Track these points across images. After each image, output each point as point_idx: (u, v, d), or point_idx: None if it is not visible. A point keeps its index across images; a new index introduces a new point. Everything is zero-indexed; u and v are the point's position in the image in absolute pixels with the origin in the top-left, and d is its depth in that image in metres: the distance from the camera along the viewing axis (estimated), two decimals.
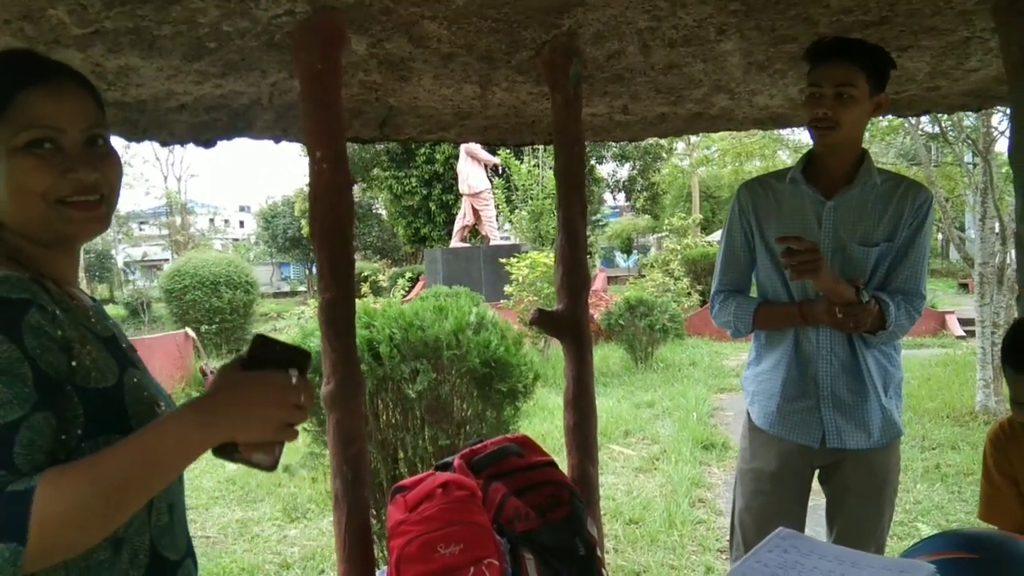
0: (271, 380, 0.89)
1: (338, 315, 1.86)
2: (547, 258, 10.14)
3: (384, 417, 3.08)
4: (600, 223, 30.12)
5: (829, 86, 1.86)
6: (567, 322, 2.30)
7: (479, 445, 2.22)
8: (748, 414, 2.24)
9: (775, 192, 2.10)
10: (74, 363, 0.91)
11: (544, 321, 2.31)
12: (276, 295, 33.08)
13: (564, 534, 2.02)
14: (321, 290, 1.86)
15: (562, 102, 2.25)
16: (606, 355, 10.75)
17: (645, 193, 29.93)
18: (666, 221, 22.57)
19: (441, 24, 1.98)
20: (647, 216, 30.38)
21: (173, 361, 10.28)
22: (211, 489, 5.91)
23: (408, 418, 3.11)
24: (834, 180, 2.01)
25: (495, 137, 2.74)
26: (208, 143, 2.17)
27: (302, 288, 34.64)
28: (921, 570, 1.01)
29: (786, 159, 18.59)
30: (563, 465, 2.24)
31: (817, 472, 2.18)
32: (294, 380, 0.89)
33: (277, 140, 2.34)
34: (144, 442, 0.85)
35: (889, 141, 17.16)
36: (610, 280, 20.17)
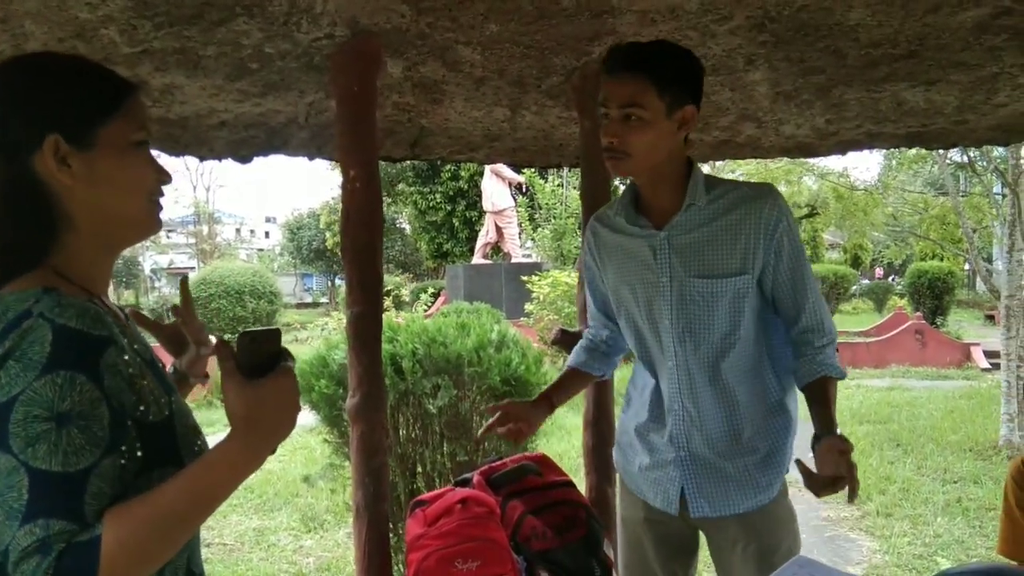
0: (284, 384, 0.87)
1: (366, 330, 1.90)
2: (568, 277, 10.17)
3: (404, 431, 3.11)
4: None
5: (615, 107, 1.51)
6: None
7: (498, 462, 2.24)
8: None
9: (611, 227, 1.75)
10: (136, 399, 0.90)
11: (566, 341, 2.34)
12: (299, 306, 33.36)
13: (581, 555, 2.02)
14: (349, 304, 1.90)
15: (590, 127, 2.28)
16: (626, 376, 10.70)
17: None
18: None
19: (475, 49, 2.04)
20: None
21: None
22: (229, 497, 5.97)
23: (427, 433, 3.14)
24: (664, 207, 1.64)
25: (523, 159, 2.79)
26: (245, 159, 2.24)
27: (324, 300, 34.90)
28: None
29: (811, 184, 18.51)
30: (581, 485, 2.26)
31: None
32: (292, 365, 0.88)
33: (311, 158, 2.40)
34: (196, 478, 0.83)
35: (916, 170, 17.05)
36: None
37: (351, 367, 1.91)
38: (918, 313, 14.24)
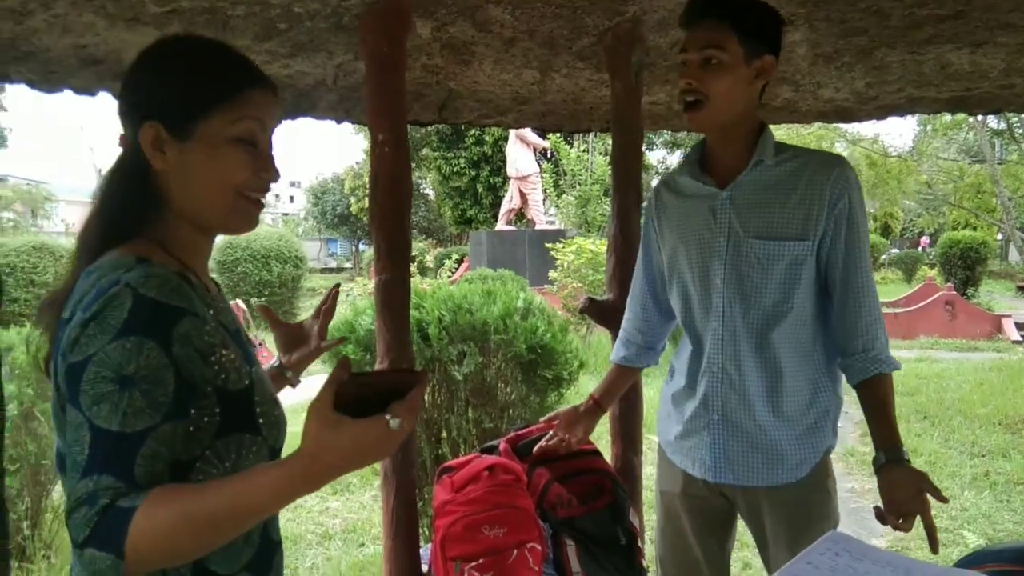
0: (370, 433, 0.82)
1: (394, 296, 1.89)
2: (593, 245, 10.09)
3: (430, 397, 3.12)
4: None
5: (695, 51, 1.49)
6: (617, 312, 2.28)
7: (525, 430, 2.24)
8: None
9: (673, 189, 1.75)
10: (216, 368, 0.93)
11: (593, 310, 2.32)
12: (323, 271, 33.58)
13: (606, 523, 2.02)
14: (378, 271, 1.89)
15: (622, 90, 2.23)
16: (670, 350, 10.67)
17: None
18: None
19: (505, 9, 1.99)
20: None
21: None
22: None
23: (453, 399, 3.15)
24: (731, 166, 1.61)
25: (552, 123, 2.74)
26: None
27: (348, 265, 35.09)
28: None
29: (842, 150, 18.16)
30: (607, 454, 2.25)
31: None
32: (393, 424, 0.82)
33: (339, 121, 2.37)
34: (247, 490, 0.83)
35: (951, 136, 16.64)
36: None
37: (379, 334, 1.90)
38: (949, 284, 14.00)
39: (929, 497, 1.41)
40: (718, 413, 1.66)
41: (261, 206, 1.03)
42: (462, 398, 3.13)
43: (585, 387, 6.64)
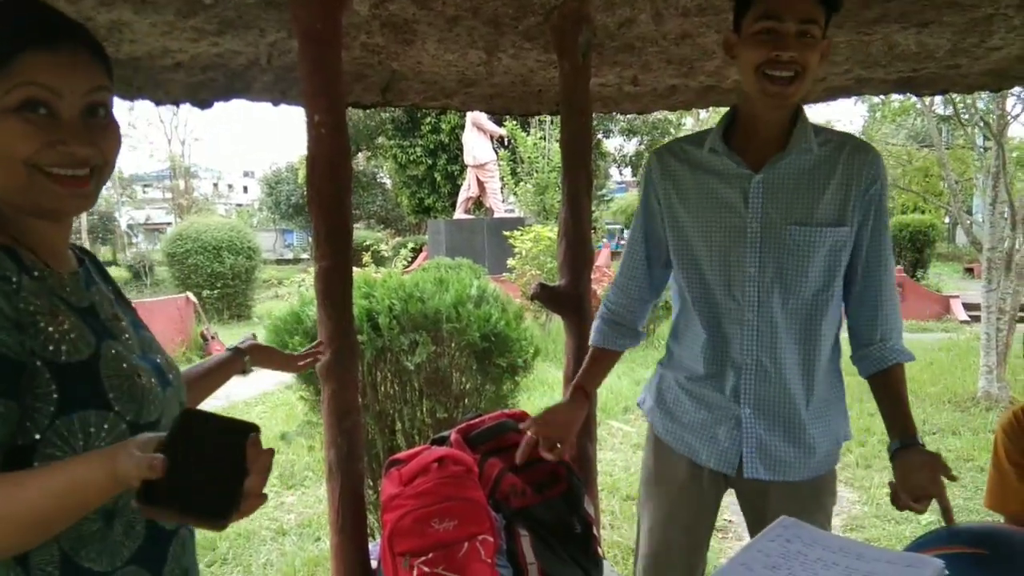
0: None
1: (335, 285, 1.81)
2: (551, 232, 10.07)
3: (382, 388, 3.05)
4: (606, 198, 29.90)
5: (791, 20, 1.38)
6: (569, 298, 2.25)
7: (477, 420, 2.19)
8: None
9: (690, 163, 1.61)
10: (42, 338, 0.85)
11: (546, 296, 2.27)
12: (279, 262, 33.05)
13: (561, 511, 1.99)
14: (317, 259, 1.81)
15: (570, 70, 2.18)
16: None
17: None
18: None
19: None
20: None
21: (174, 325, 10.28)
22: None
23: (406, 390, 3.08)
24: (763, 147, 1.52)
25: (500, 106, 2.67)
26: (204, 104, 2.11)
27: (305, 255, 34.59)
28: (928, 565, 0.97)
29: None
30: None
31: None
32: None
33: (276, 103, 2.28)
34: (72, 476, 0.75)
35: (900, 122, 16.98)
36: (614, 256, 20.10)
37: (321, 324, 1.82)
38: (898, 266, 14.33)
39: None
40: (750, 407, 1.58)
41: (74, 183, 0.90)
42: (416, 388, 3.07)
43: (543, 373, 6.61)
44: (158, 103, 2.06)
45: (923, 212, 17.92)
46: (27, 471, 0.79)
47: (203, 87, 2.07)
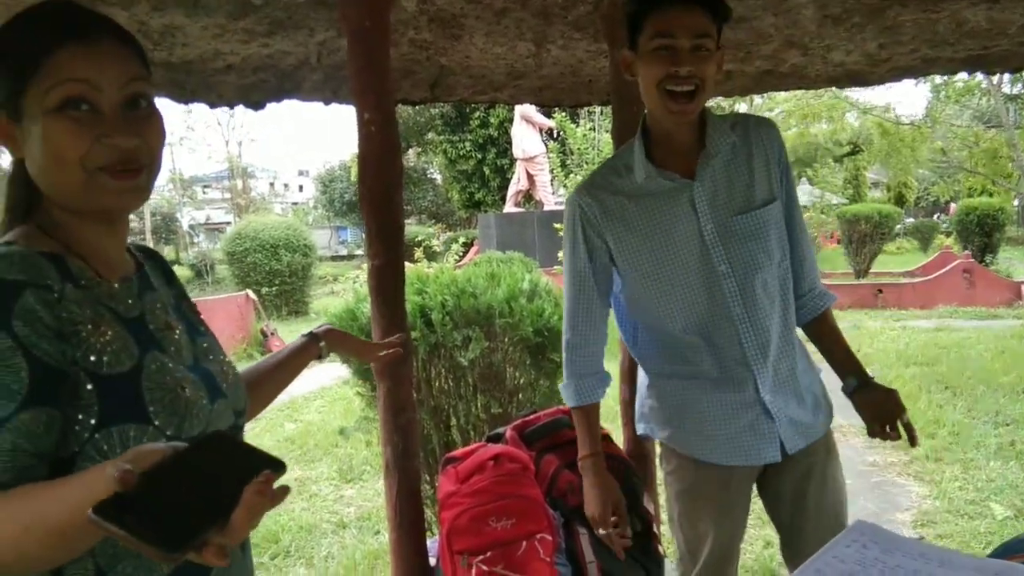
0: None
1: (387, 282, 1.81)
2: None
3: (436, 384, 3.05)
4: None
5: (685, 37, 1.43)
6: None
7: (532, 416, 2.17)
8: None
9: (627, 193, 1.63)
10: (84, 348, 0.84)
11: None
12: (334, 258, 33.63)
13: None
14: (370, 256, 1.81)
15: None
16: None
17: None
18: None
19: None
20: None
21: (235, 322, 10.53)
22: (270, 448, 5.97)
23: (460, 386, 3.07)
24: (684, 154, 1.58)
25: (550, 98, 2.64)
26: (257, 105, 2.13)
27: (359, 252, 35.09)
28: (1017, 573, 0.91)
29: (853, 121, 17.81)
30: (618, 438, 2.18)
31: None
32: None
33: (327, 102, 2.29)
34: (84, 484, 0.71)
35: (964, 103, 16.31)
36: None
37: (374, 321, 1.82)
38: (966, 252, 13.78)
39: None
40: (769, 391, 1.62)
41: (132, 175, 0.89)
42: (469, 384, 3.06)
43: None
44: (212, 105, 2.09)
45: (991, 195, 17.19)
46: (45, 483, 0.77)
47: (255, 88, 2.09)
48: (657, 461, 2.02)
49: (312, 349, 1.39)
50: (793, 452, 1.64)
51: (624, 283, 1.71)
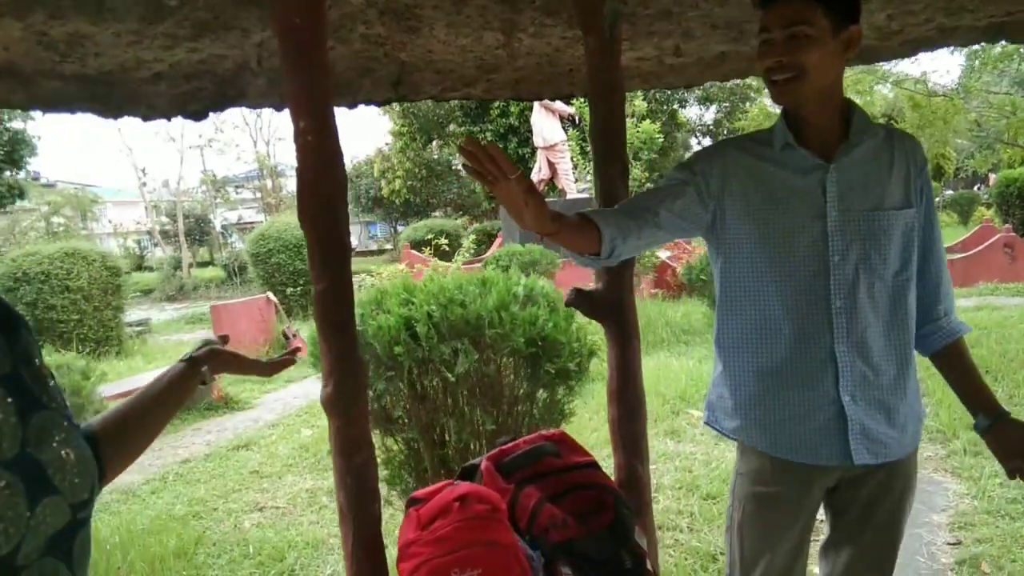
0: None
1: (333, 309, 1.63)
2: None
3: (428, 399, 2.87)
4: None
5: (778, 29, 1.49)
6: (608, 304, 2.00)
7: (510, 444, 1.98)
8: None
9: (760, 156, 1.64)
10: None
11: (582, 302, 2.03)
12: (364, 253, 33.74)
13: (607, 544, 1.77)
14: (313, 280, 1.63)
15: (597, 47, 1.92)
16: (688, 311, 10.28)
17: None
18: None
19: None
20: None
21: (257, 325, 10.48)
22: (285, 456, 5.94)
23: (454, 400, 2.89)
24: (824, 139, 1.59)
25: (529, 91, 2.42)
26: (197, 115, 1.96)
27: (388, 246, 35.16)
28: None
29: (886, 92, 17.18)
30: (607, 465, 1.98)
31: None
32: None
33: (278, 108, 2.10)
34: None
35: (1002, 69, 15.60)
36: None
37: (322, 353, 1.65)
38: (1007, 225, 13.22)
39: None
40: (849, 394, 1.59)
41: None
42: (463, 398, 2.88)
43: (601, 376, 6.31)
44: (145, 118, 1.91)
45: None
46: None
47: (192, 98, 1.91)
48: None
49: (193, 375, 1.21)
50: (859, 463, 1.61)
51: (727, 251, 1.68)
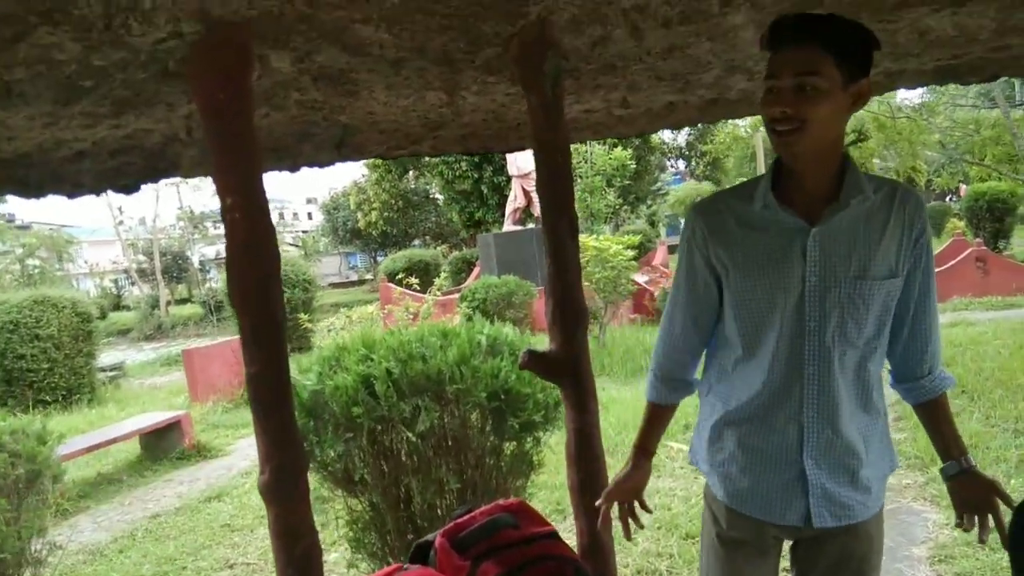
0: None
1: (268, 391, 1.56)
2: (596, 241, 9.76)
3: (385, 463, 2.78)
4: (661, 192, 29.31)
5: (787, 76, 1.41)
6: (563, 364, 1.94)
7: (465, 517, 1.90)
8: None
9: (739, 220, 1.59)
10: None
11: (536, 364, 1.97)
12: (344, 284, 33.58)
13: None
14: (246, 363, 1.56)
15: (539, 105, 1.88)
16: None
17: (704, 159, 28.93)
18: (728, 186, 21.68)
19: (378, 27, 1.64)
20: (708, 181, 29.42)
21: (231, 368, 10.31)
22: (257, 507, 5.78)
23: (418, 460, 2.81)
24: (813, 198, 1.52)
25: (477, 146, 2.38)
26: (127, 188, 1.89)
27: (368, 276, 35.04)
28: None
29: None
30: (568, 533, 1.91)
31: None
32: None
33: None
34: None
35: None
36: (673, 250, 19.52)
37: (257, 438, 1.57)
38: (978, 239, 13.36)
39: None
40: (813, 458, 1.58)
41: None
42: (426, 458, 2.80)
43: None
44: (70, 196, 1.85)
45: (1000, 178, 16.75)
46: None
47: (119, 173, 1.84)
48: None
49: None
50: (820, 526, 1.60)
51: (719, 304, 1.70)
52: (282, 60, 1.68)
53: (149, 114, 1.64)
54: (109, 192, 1.87)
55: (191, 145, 1.84)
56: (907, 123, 11.85)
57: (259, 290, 1.55)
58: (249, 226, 1.53)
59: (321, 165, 2.17)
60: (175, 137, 1.78)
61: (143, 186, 1.92)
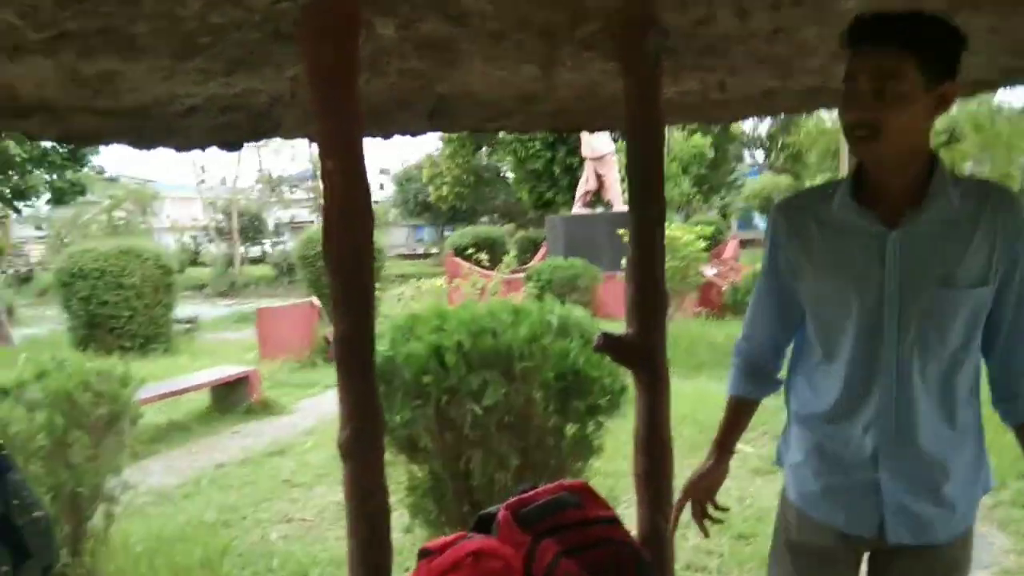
0: None
1: (354, 353, 1.59)
2: (669, 229, 9.61)
3: (451, 433, 2.83)
4: (736, 183, 28.67)
5: (866, 79, 1.35)
6: (638, 350, 1.93)
7: (530, 493, 1.93)
8: None
9: (819, 220, 1.55)
10: None
11: (611, 347, 1.96)
12: (410, 256, 34.04)
13: None
14: (335, 323, 1.60)
15: (635, 85, 1.86)
16: (731, 333, 10.05)
17: (785, 151, 28.13)
18: (808, 182, 21.03)
19: None
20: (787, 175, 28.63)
21: (300, 330, 10.60)
22: (317, 465, 5.95)
23: (482, 432, 2.85)
24: (895, 201, 1.45)
25: (567, 123, 2.38)
26: (232, 146, 1.95)
27: (435, 250, 35.43)
28: None
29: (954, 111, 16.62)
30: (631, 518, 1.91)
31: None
32: None
33: (313, 140, 2.09)
34: None
35: None
36: (745, 244, 19.11)
37: (340, 398, 1.62)
38: None
39: None
40: (888, 471, 1.52)
41: None
42: (490, 432, 2.83)
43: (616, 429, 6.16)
44: (179, 150, 1.92)
45: None
46: None
47: (227, 129, 1.91)
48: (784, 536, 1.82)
49: None
50: (896, 542, 1.53)
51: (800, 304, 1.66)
52: (387, 27, 1.70)
53: (259, 74, 1.69)
54: (214, 148, 1.95)
55: (294, 106, 1.89)
56: (1007, 125, 11.25)
57: (353, 255, 1.58)
58: (347, 192, 1.56)
59: (413, 134, 2.20)
60: (280, 98, 1.83)
61: (246, 144, 1.98)
